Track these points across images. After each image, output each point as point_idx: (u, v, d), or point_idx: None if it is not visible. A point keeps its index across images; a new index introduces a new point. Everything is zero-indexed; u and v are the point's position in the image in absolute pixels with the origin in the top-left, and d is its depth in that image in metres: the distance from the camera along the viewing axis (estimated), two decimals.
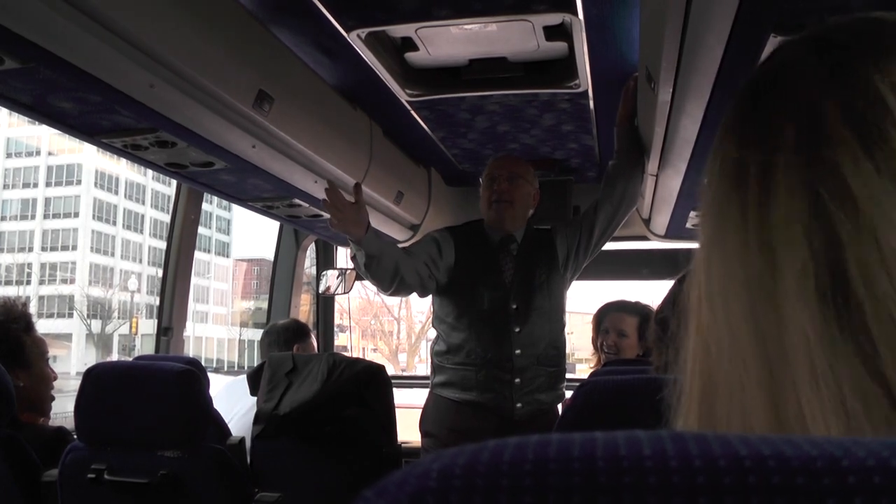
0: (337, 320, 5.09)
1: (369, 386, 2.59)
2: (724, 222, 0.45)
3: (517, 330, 2.76)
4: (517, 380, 2.74)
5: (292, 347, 3.20)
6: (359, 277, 4.36)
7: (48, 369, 2.29)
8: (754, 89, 0.48)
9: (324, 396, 2.55)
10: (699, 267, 0.47)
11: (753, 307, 0.41)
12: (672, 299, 1.55)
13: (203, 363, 3.11)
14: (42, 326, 2.49)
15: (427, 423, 2.85)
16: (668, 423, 0.50)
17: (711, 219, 0.47)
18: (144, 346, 38.13)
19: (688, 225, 3.36)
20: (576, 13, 2.09)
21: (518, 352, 2.75)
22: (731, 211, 0.44)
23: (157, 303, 3.48)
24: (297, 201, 3.05)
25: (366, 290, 21.04)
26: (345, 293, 4.29)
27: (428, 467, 0.26)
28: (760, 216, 0.42)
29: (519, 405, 2.74)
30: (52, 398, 2.33)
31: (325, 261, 4.55)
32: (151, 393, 2.02)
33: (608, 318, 3.20)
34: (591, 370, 2.98)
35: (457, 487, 0.25)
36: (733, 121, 0.48)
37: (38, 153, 51.85)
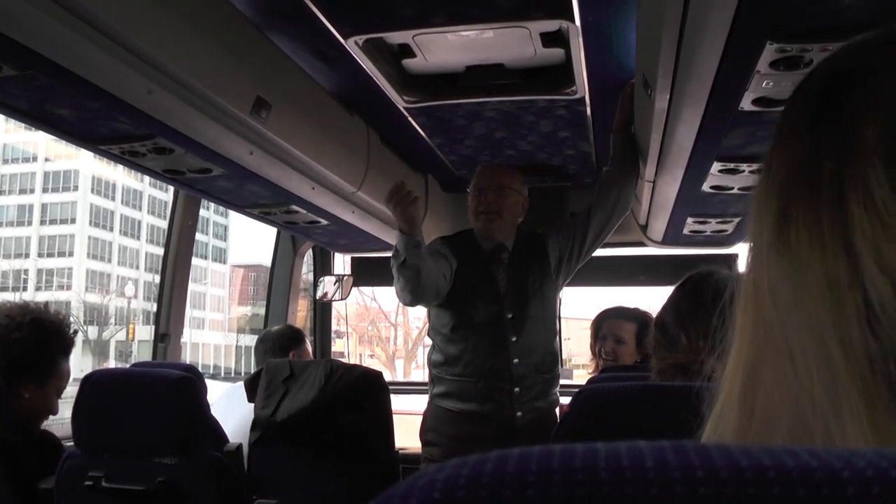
0: (334, 326, 5.09)
1: (367, 392, 2.59)
2: (789, 223, 0.44)
3: (514, 339, 2.77)
4: (517, 389, 2.75)
5: (288, 354, 3.19)
6: (356, 283, 4.36)
7: (54, 400, 2.24)
8: (825, 91, 0.46)
9: (321, 403, 2.54)
10: (756, 266, 0.46)
11: (835, 307, 0.40)
12: (673, 305, 1.55)
13: (200, 369, 3.10)
14: None
15: (428, 432, 2.85)
16: (697, 421, 0.50)
17: (773, 219, 0.45)
18: (141, 353, 38.05)
19: (685, 231, 3.37)
20: (572, 20, 2.10)
21: (516, 361, 2.75)
22: (799, 212, 0.43)
23: (154, 309, 3.48)
24: (295, 208, 3.06)
25: (363, 296, 21.04)
26: (342, 299, 4.29)
27: (432, 478, 0.27)
28: (834, 217, 0.41)
29: (519, 414, 2.74)
30: (38, 428, 2.28)
31: (323, 267, 4.55)
32: (149, 400, 2.02)
33: (606, 325, 3.20)
34: (590, 376, 2.98)
35: (461, 498, 0.25)
36: (799, 124, 0.47)
37: (34, 159, 51.81)
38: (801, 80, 0.49)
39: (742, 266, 0.48)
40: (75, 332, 2.30)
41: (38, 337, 2.15)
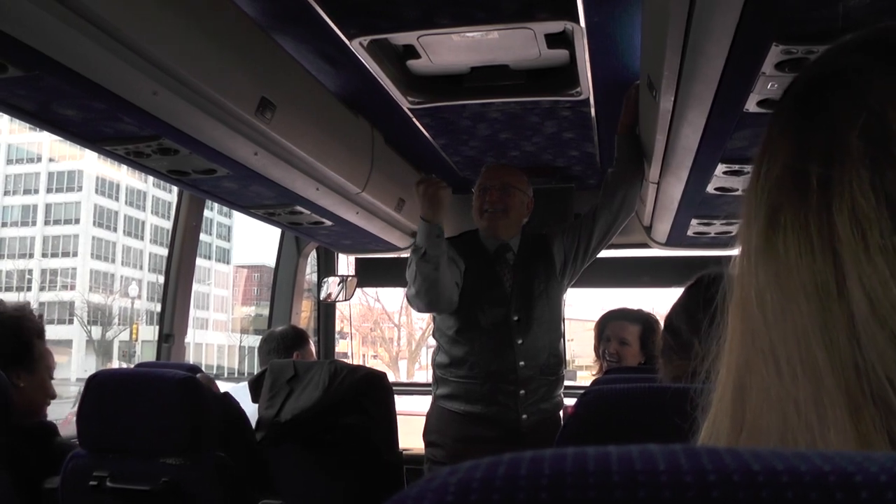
0: (337, 327, 5.09)
1: (370, 393, 2.59)
2: (777, 228, 0.43)
3: (520, 342, 2.76)
4: (522, 391, 2.74)
5: (292, 354, 3.20)
6: (360, 284, 4.36)
7: (49, 383, 2.29)
8: (809, 94, 0.46)
9: (325, 403, 2.55)
10: (745, 271, 0.46)
11: (823, 314, 0.40)
12: (684, 308, 1.54)
13: (203, 369, 3.10)
14: None
15: (431, 433, 2.84)
16: (696, 424, 0.50)
17: (762, 224, 0.45)
18: (144, 353, 38.07)
19: (689, 233, 3.36)
20: (577, 21, 2.10)
21: (522, 363, 2.75)
22: (787, 218, 0.43)
23: (157, 309, 3.49)
24: (299, 208, 3.06)
25: (366, 296, 21.03)
26: (346, 300, 4.29)
27: (445, 481, 0.27)
28: (822, 223, 0.41)
29: (524, 416, 2.74)
30: (45, 413, 2.32)
31: (327, 268, 4.55)
32: (153, 400, 2.02)
33: (610, 327, 3.20)
34: (593, 378, 2.98)
35: (474, 501, 0.26)
36: (787, 127, 0.46)
37: (38, 159, 51.88)
38: (789, 83, 0.49)
39: (732, 270, 0.48)
40: (41, 316, 2.35)
41: (8, 327, 2.19)
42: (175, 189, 3.19)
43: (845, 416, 0.38)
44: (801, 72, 0.49)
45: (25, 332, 2.22)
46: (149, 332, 41.17)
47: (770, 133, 0.48)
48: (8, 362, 2.14)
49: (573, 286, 3.08)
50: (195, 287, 3.74)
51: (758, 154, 0.48)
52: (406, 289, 2.67)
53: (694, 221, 3.16)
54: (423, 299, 2.63)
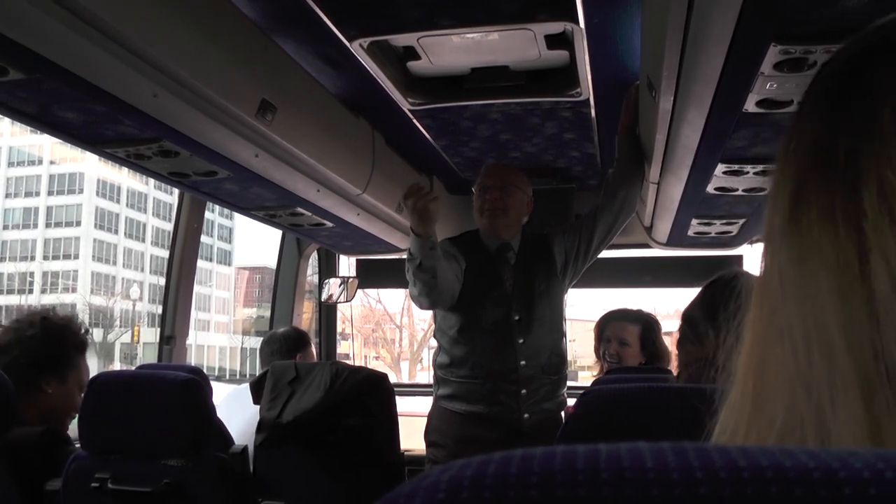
0: (339, 328, 5.10)
1: (372, 394, 2.59)
2: (802, 205, 0.43)
3: (521, 341, 2.76)
4: (523, 391, 2.74)
5: (294, 356, 3.20)
6: (361, 285, 4.36)
7: (78, 397, 2.27)
8: (843, 70, 0.45)
9: (327, 405, 2.54)
10: (769, 249, 0.45)
11: (842, 292, 0.39)
12: (703, 301, 1.56)
13: (205, 371, 3.10)
14: None
15: (432, 434, 2.85)
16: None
17: (786, 201, 0.44)
18: (146, 355, 38.07)
19: (689, 233, 3.37)
20: (577, 22, 2.10)
21: (523, 363, 2.75)
22: (812, 194, 0.42)
23: (159, 311, 3.49)
24: (300, 210, 3.06)
25: (368, 298, 21.04)
26: (347, 301, 4.29)
27: (437, 479, 0.27)
28: (847, 199, 0.40)
29: (526, 416, 2.74)
30: (66, 426, 2.33)
31: (328, 269, 4.55)
32: (155, 402, 2.02)
33: (610, 327, 3.21)
34: (594, 378, 2.98)
35: (465, 499, 0.26)
36: (817, 102, 0.46)
37: (39, 162, 51.89)
38: (826, 59, 0.48)
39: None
40: (86, 330, 2.35)
41: (50, 333, 2.22)
42: (176, 191, 3.20)
43: (857, 398, 0.37)
44: (839, 49, 0.48)
45: (66, 341, 2.25)
46: (150, 335, 41.12)
47: (801, 108, 0.47)
48: (44, 367, 2.18)
49: (574, 286, 3.08)
50: (197, 289, 3.75)
51: (786, 132, 0.47)
52: (408, 289, 2.69)
53: (694, 221, 3.16)
54: (426, 300, 2.65)
